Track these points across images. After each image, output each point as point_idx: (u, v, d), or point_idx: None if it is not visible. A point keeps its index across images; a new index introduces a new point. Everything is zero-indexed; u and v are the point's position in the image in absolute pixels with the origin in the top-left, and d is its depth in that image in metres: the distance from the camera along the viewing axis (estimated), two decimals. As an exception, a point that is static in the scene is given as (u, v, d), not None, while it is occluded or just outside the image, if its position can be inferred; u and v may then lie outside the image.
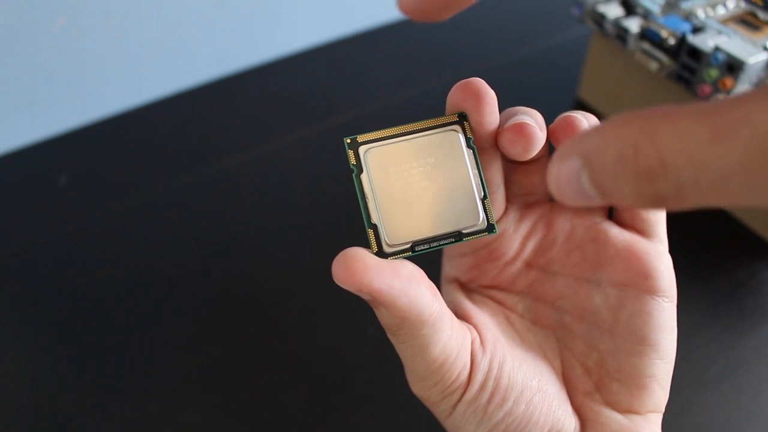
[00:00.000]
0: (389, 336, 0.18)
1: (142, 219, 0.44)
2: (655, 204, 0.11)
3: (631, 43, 0.41)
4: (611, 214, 0.22)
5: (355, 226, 0.42)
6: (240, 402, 0.34)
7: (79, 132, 0.52)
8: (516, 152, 0.18)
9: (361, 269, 0.16)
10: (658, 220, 0.20)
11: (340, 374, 0.35)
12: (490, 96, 0.18)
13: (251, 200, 0.45)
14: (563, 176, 0.12)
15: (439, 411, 0.19)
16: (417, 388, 0.19)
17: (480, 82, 0.18)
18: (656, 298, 0.19)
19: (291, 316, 0.38)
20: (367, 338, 0.36)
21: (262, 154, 0.49)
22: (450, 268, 0.23)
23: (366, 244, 0.17)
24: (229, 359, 0.36)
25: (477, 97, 0.18)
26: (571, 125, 0.18)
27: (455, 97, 0.18)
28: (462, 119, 0.18)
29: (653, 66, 0.40)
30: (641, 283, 0.19)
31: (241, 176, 0.47)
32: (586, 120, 0.19)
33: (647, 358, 0.19)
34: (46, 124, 0.51)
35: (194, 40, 0.54)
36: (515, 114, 0.19)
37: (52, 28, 0.47)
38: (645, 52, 0.41)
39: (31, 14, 0.46)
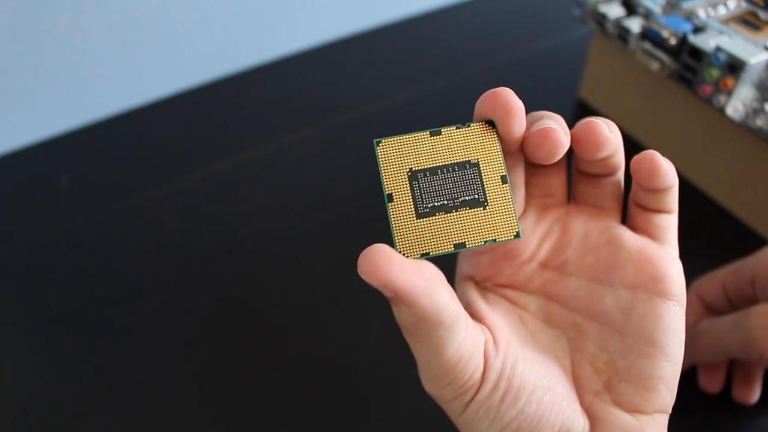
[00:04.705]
0: (405, 335, 0.18)
1: (145, 219, 0.44)
2: None
3: (633, 43, 0.42)
4: (624, 218, 0.22)
5: (357, 225, 0.42)
6: (241, 402, 0.34)
7: (81, 132, 0.52)
8: (541, 156, 0.18)
9: (387, 265, 0.16)
10: (670, 226, 0.21)
11: (341, 374, 0.35)
12: (519, 108, 0.18)
13: (254, 200, 0.45)
14: None
15: (452, 409, 0.19)
16: (430, 386, 0.19)
17: (508, 94, 0.18)
18: (666, 301, 0.20)
19: (292, 315, 0.38)
20: (368, 338, 0.36)
21: (265, 154, 0.49)
22: (466, 266, 0.23)
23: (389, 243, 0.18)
24: (230, 359, 0.36)
25: (506, 109, 0.18)
26: (593, 131, 0.19)
27: (484, 107, 0.18)
28: (491, 126, 0.19)
29: (654, 66, 0.40)
30: (653, 286, 0.20)
31: (244, 176, 0.47)
32: (607, 126, 0.19)
33: (656, 360, 0.20)
34: (48, 123, 0.51)
35: (197, 39, 0.54)
36: (540, 118, 0.19)
37: (54, 27, 0.47)
38: (646, 52, 0.41)
39: (33, 14, 0.46)
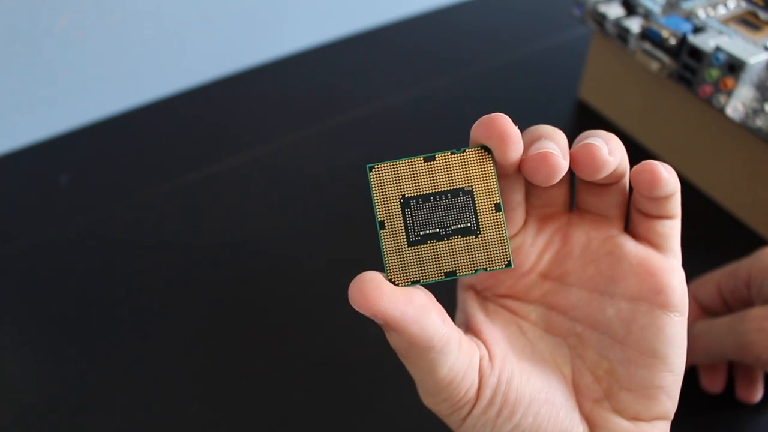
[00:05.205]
0: (399, 357, 0.19)
1: (145, 219, 0.44)
2: None
3: (632, 43, 0.42)
4: (626, 226, 0.22)
5: (357, 225, 0.42)
6: (241, 402, 0.34)
7: (81, 132, 0.52)
8: (539, 180, 0.18)
9: (377, 295, 0.16)
10: (672, 233, 0.20)
11: (342, 374, 0.35)
12: (514, 135, 0.17)
13: (254, 200, 0.45)
14: None
15: (450, 422, 0.20)
16: (428, 401, 0.20)
17: (504, 121, 0.17)
18: (668, 313, 0.20)
19: (292, 315, 0.38)
20: (368, 338, 0.36)
21: (265, 154, 0.49)
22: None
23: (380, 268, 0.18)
24: (229, 360, 0.36)
25: (501, 137, 0.17)
26: (591, 155, 0.18)
27: (479, 134, 0.18)
28: (486, 151, 0.19)
29: (654, 66, 0.40)
30: (654, 298, 0.20)
31: (244, 176, 0.47)
32: (606, 145, 0.19)
33: (657, 370, 0.20)
34: (48, 123, 0.51)
35: (196, 39, 0.54)
36: (539, 138, 0.19)
37: (54, 27, 0.47)
38: (646, 52, 0.41)
39: (32, 14, 0.46)
